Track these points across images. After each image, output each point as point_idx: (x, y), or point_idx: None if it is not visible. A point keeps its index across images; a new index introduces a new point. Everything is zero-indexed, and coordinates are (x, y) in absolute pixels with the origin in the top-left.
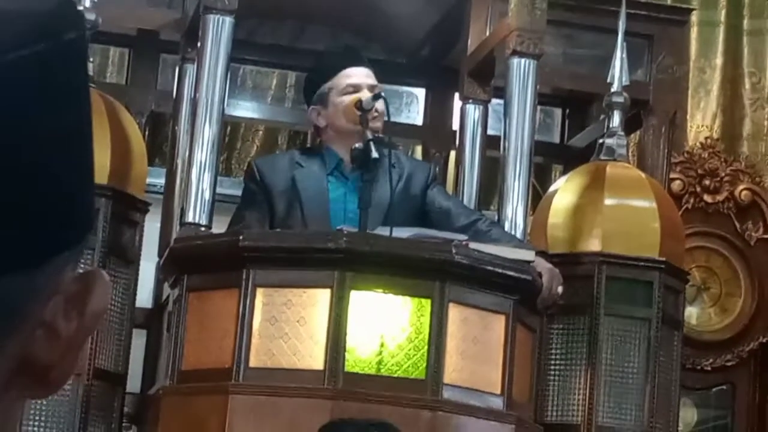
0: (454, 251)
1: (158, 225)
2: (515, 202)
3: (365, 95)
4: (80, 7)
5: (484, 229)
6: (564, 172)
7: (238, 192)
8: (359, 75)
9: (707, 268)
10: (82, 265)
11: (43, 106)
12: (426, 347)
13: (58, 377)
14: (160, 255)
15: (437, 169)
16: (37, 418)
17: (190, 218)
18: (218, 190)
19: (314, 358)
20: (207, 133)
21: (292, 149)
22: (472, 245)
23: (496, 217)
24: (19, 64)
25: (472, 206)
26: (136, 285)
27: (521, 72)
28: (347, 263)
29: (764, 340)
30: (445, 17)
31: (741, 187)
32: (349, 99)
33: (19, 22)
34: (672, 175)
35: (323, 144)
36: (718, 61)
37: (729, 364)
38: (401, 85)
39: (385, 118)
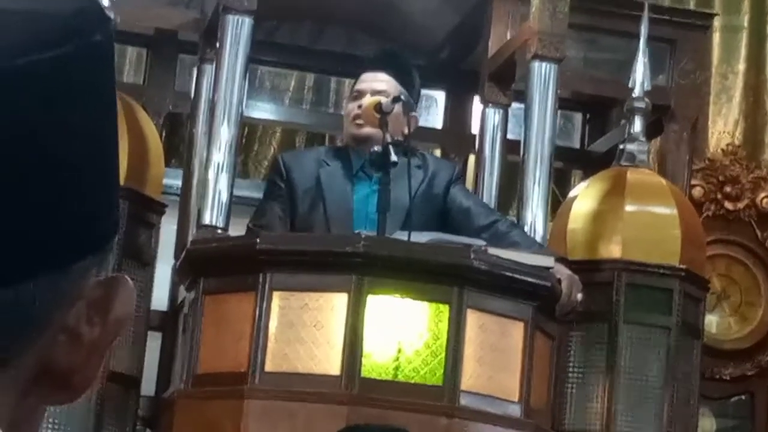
0: (472, 256)
1: (175, 227)
2: (535, 207)
3: (366, 101)
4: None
5: (503, 231)
6: (584, 178)
7: (256, 194)
8: (368, 80)
9: (727, 277)
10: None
11: (69, 108)
12: (443, 353)
13: (81, 383)
14: (176, 257)
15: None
16: (51, 420)
17: (206, 220)
18: (235, 191)
19: (331, 363)
20: (224, 134)
21: (319, 146)
22: (491, 250)
23: (516, 222)
24: (45, 66)
25: None
26: (151, 287)
27: (542, 76)
28: (365, 267)
29: None
30: (466, 20)
31: (762, 194)
32: (351, 105)
33: (45, 23)
34: (693, 182)
35: (348, 145)
36: (741, 66)
37: (748, 373)
38: (421, 88)
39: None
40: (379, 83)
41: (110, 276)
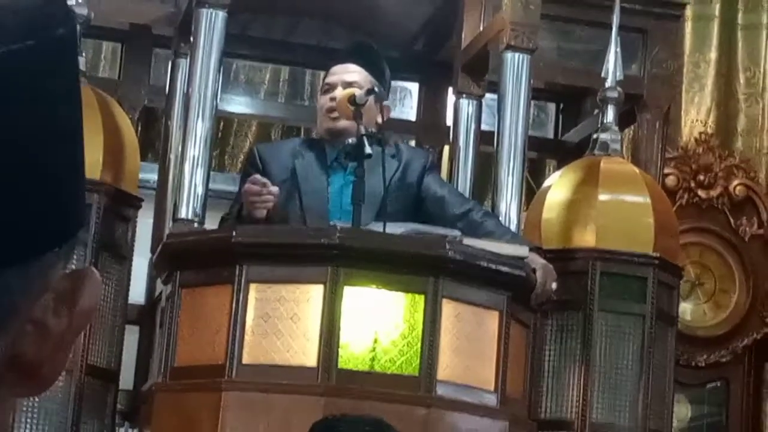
0: (447, 247)
1: (151, 221)
2: (509, 197)
3: (338, 93)
4: (72, 2)
5: (478, 220)
6: (558, 168)
7: (232, 187)
8: (338, 72)
9: (701, 264)
10: (74, 262)
11: (33, 102)
12: (419, 343)
13: (48, 375)
14: (152, 251)
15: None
16: (29, 414)
17: (182, 214)
18: (211, 185)
19: (307, 355)
20: (200, 128)
21: (294, 138)
22: (466, 241)
23: (490, 212)
24: (8, 59)
25: None
26: (128, 281)
27: (515, 67)
28: (341, 259)
29: (758, 336)
30: (439, 11)
31: (735, 182)
32: (323, 98)
33: (9, 17)
34: (666, 171)
35: (322, 137)
36: (713, 55)
37: (723, 360)
38: (395, 80)
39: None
40: (349, 74)
41: (77, 268)
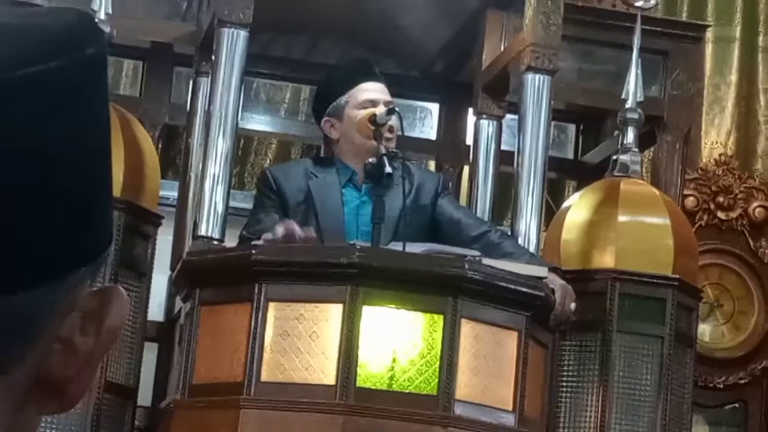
0: (466, 267)
1: (171, 238)
2: (528, 217)
3: (381, 110)
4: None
5: (495, 241)
6: (577, 188)
7: (251, 205)
8: (376, 90)
9: (720, 286)
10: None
11: (63, 121)
12: (438, 363)
13: (75, 393)
14: (172, 268)
15: (448, 181)
16: (48, 431)
17: (202, 231)
18: (231, 203)
19: (326, 373)
20: (220, 146)
21: (304, 158)
22: (486, 261)
23: (510, 233)
24: (38, 79)
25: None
26: (148, 298)
27: (535, 87)
28: (360, 278)
29: None
30: (460, 32)
31: (755, 204)
32: (364, 113)
33: (39, 37)
34: (686, 192)
35: (335, 156)
36: (733, 77)
37: (741, 381)
38: (415, 100)
39: (399, 133)
40: (385, 95)
41: (104, 286)
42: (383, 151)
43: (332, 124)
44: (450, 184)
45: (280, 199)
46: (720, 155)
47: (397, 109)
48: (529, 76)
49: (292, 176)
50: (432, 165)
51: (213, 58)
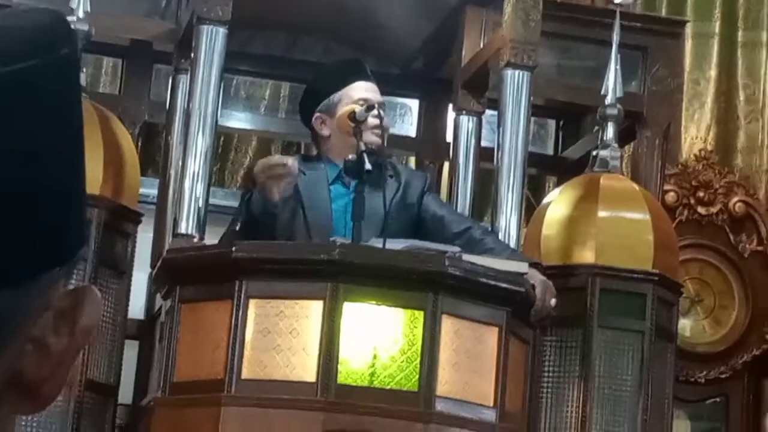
0: (447, 263)
1: (151, 236)
2: (509, 213)
3: (360, 107)
4: (74, 18)
5: (477, 238)
6: (558, 184)
7: (232, 203)
8: (371, 90)
9: (701, 281)
10: (74, 277)
11: (37, 120)
12: (419, 359)
13: (48, 393)
14: (152, 266)
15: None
16: (28, 429)
17: (182, 229)
18: (211, 200)
19: (306, 370)
20: (200, 143)
21: (292, 155)
22: (466, 257)
23: (490, 229)
24: (13, 78)
25: None
26: (128, 296)
27: (515, 84)
28: (340, 275)
29: (758, 353)
30: (439, 29)
31: (735, 199)
32: (346, 109)
33: (15, 37)
34: (666, 187)
35: (322, 154)
36: (713, 73)
37: (723, 376)
38: (395, 97)
39: (390, 130)
40: (378, 95)
41: (77, 286)
42: (362, 147)
43: (323, 120)
44: (434, 181)
45: None
46: (700, 150)
47: (377, 106)
48: (509, 72)
49: None
50: (412, 162)
51: (192, 55)
